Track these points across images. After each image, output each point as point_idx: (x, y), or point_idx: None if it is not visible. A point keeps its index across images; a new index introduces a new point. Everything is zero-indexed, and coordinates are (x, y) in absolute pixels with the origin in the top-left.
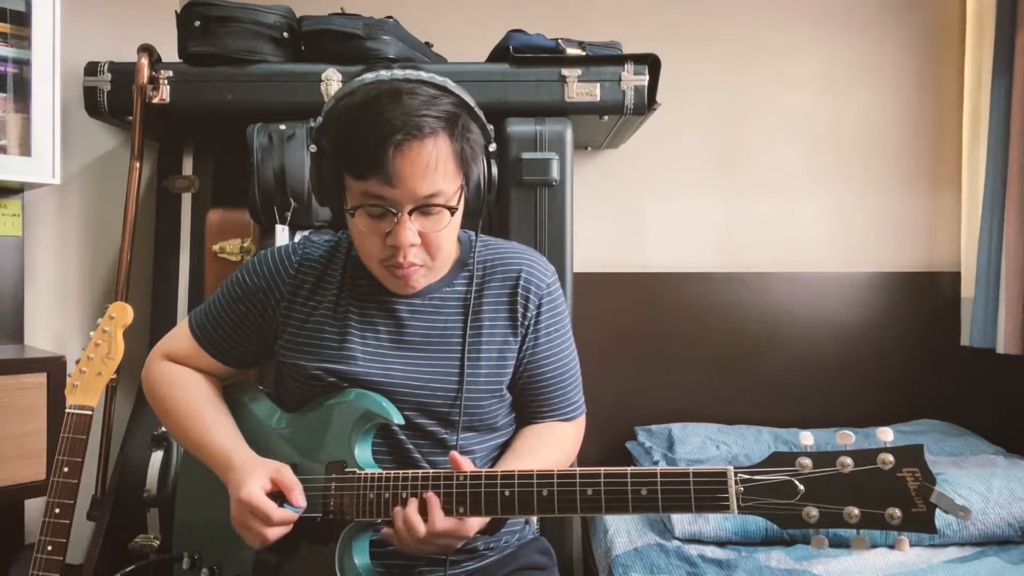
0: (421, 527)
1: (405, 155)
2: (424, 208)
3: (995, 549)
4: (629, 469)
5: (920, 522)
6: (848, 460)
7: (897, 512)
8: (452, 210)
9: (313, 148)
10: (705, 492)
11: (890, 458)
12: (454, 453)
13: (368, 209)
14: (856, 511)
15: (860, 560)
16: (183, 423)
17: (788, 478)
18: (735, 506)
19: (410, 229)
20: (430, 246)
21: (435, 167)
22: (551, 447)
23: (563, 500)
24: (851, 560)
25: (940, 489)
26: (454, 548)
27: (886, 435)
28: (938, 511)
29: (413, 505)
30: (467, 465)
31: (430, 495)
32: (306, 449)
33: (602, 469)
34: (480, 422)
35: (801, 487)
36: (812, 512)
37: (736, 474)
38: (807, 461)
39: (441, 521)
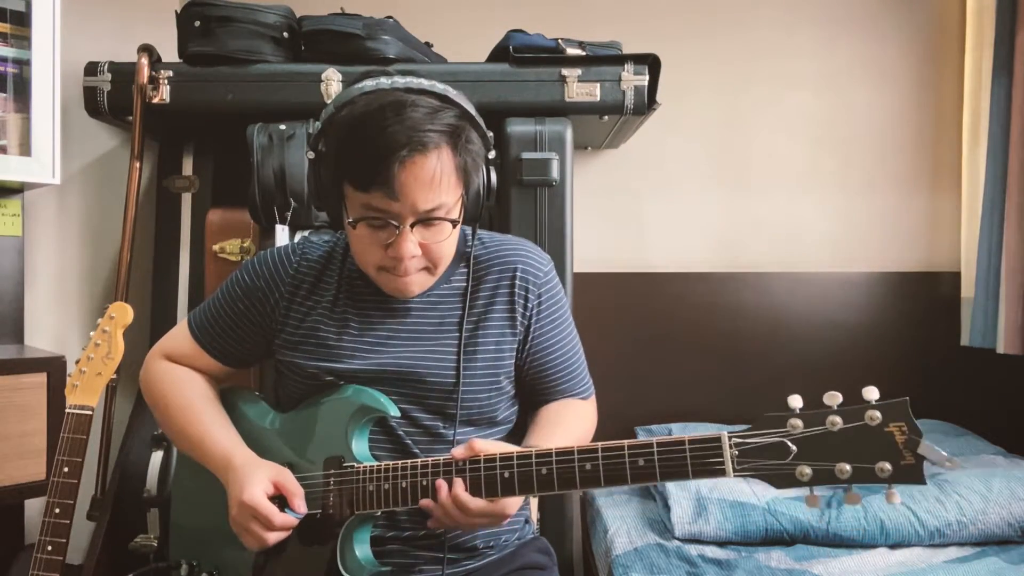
0: (472, 503)
1: (409, 170)
2: (426, 220)
3: (995, 549)
4: (626, 442)
5: (909, 474)
6: (837, 418)
7: (887, 465)
8: (454, 222)
9: (311, 155)
10: (701, 458)
11: (877, 414)
12: (454, 450)
13: (370, 221)
14: (847, 467)
15: (860, 560)
16: (180, 422)
17: (780, 439)
18: (731, 469)
19: (411, 241)
20: (431, 255)
21: (439, 181)
22: (574, 419)
23: (562, 477)
24: (851, 560)
25: (927, 443)
26: (499, 524)
27: (871, 392)
28: (926, 463)
29: (456, 486)
30: (477, 445)
31: (456, 481)
32: (302, 447)
33: (599, 444)
34: (479, 415)
35: (793, 447)
36: (805, 470)
37: (730, 438)
38: (798, 422)
39: (472, 502)
